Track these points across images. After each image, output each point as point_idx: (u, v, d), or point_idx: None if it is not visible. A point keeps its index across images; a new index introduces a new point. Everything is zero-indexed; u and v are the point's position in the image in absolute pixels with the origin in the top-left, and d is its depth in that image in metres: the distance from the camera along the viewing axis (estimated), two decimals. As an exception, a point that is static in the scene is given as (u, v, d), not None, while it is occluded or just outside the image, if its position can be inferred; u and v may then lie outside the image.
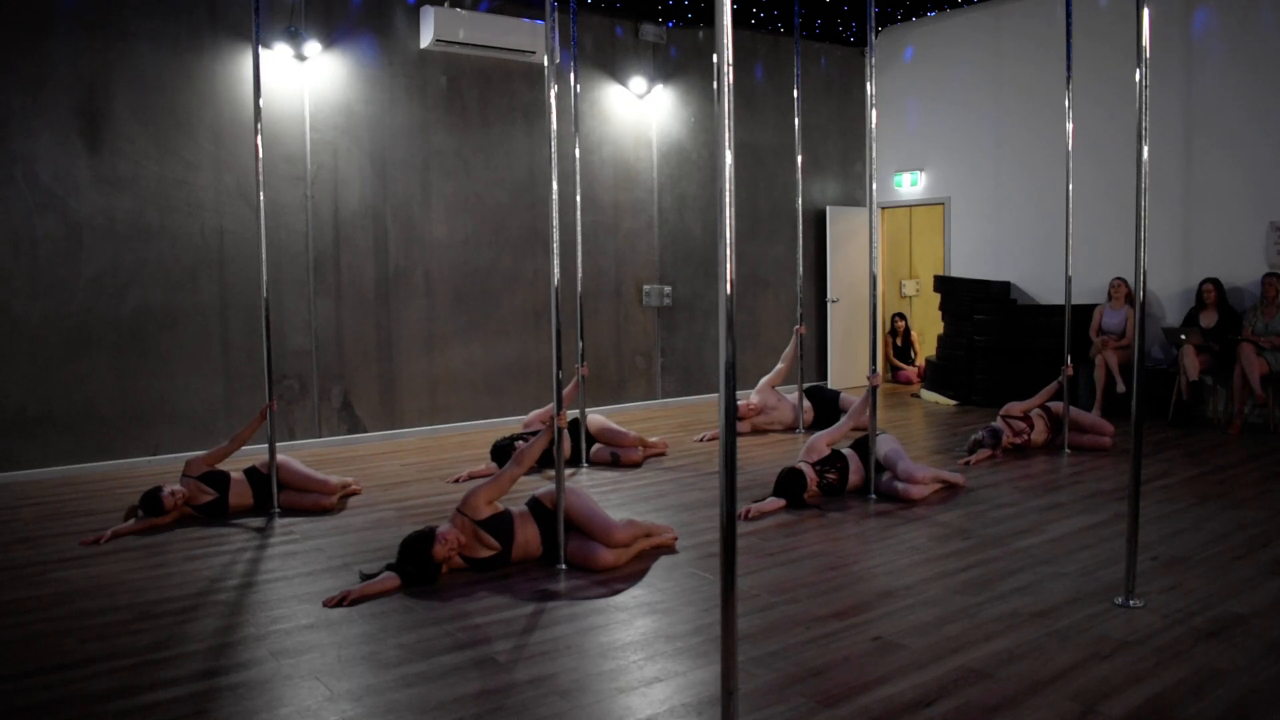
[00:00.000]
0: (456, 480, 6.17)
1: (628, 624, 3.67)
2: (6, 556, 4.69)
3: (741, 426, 7.77)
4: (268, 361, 5.38)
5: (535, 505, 4.47)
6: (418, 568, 4.11)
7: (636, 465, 6.58)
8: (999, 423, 6.77)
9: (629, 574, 4.25)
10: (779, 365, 7.93)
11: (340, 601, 3.92)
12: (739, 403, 7.38)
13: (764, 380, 7.98)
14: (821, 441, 5.65)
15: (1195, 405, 7.80)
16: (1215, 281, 7.73)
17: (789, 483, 5.37)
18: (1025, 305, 9.14)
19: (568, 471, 6.27)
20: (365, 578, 4.15)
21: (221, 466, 5.50)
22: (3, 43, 6.22)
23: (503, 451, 6.38)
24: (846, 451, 5.67)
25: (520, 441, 6.37)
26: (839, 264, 10.37)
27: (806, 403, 7.92)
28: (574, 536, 4.40)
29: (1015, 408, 6.88)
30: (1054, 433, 6.88)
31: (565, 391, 6.46)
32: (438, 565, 4.15)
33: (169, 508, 5.13)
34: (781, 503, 5.33)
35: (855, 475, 5.58)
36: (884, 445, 5.61)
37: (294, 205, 7.33)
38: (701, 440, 7.46)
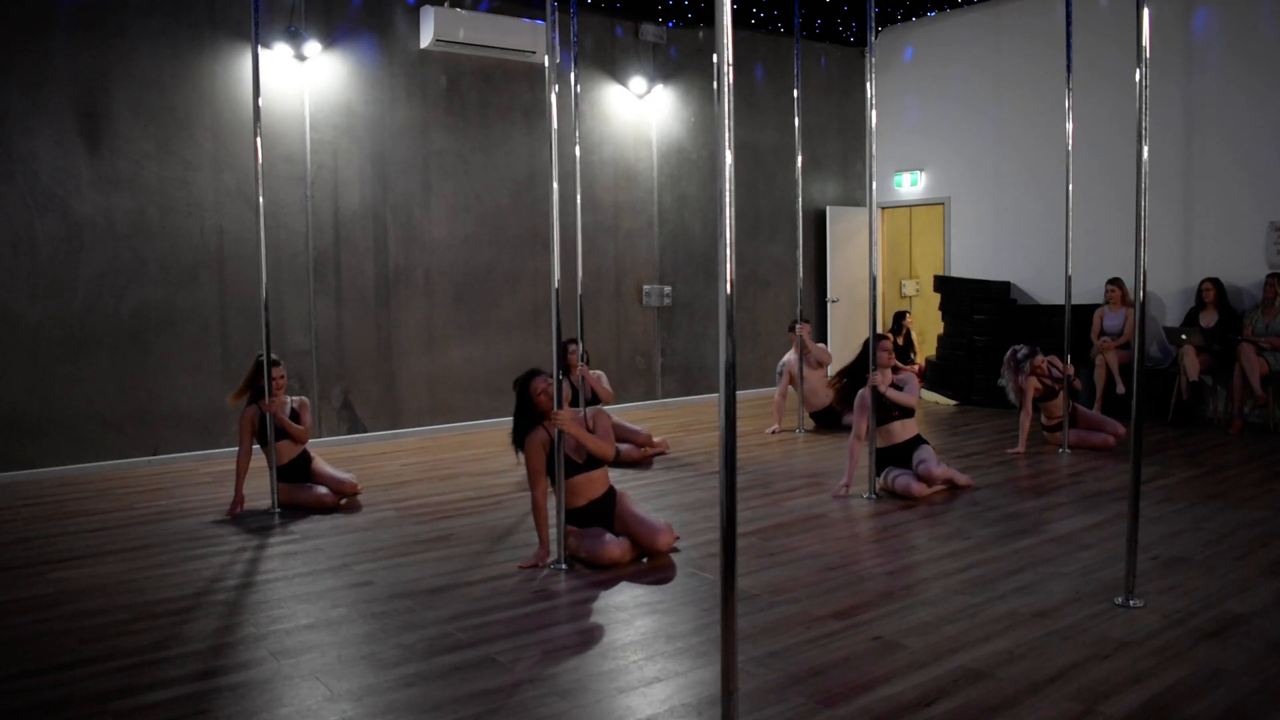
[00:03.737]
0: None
1: (628, 624, 3.67)
2: (6, 556, 4.69)
3: (786, 383, 8.00)
4: (268, 362, 5.38)
5: (611, 492, 4.59)
6: (523, 400, 4.46)
7: (638, 463, 6.59)
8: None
9: (629, 574, 4.25)
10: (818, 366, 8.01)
11: (536, 565, 4.34)
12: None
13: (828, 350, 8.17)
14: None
15: (1195, 405, 7.80)
16: (1215, 281, 7.73)
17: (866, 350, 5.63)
18: (1025, 305, 9.14)
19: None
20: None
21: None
22: (3, 43, 6.22)
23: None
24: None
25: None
26: (839, 264, 10.37)
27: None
28: (575, 534, 4.41)
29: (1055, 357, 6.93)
30: (1060, 396, 6.87)
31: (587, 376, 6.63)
32: (535, 411, 4.41)
33: (275, 377, 5.38)
34: (859, 445, 5.56)
35: (911, 396, 5.67)
36: (921, 451, 5.66)
37: (294, 205, 7.33)
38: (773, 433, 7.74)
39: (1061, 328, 7.22)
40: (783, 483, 5.99)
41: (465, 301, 8.14)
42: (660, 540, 4.39)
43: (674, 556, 4.50)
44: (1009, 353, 6.89)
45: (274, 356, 5.43)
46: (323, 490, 5.47)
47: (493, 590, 4.08)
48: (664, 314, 9.37)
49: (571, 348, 6.57)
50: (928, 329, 11.26)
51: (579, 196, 6.75)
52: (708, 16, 9.06)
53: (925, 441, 5.75)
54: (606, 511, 4.49)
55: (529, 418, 4.45)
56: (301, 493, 5.45)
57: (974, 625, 3.57)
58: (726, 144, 2.32)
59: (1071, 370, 6.74)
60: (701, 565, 4.36)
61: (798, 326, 7.80)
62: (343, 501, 5.55)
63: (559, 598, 3.98)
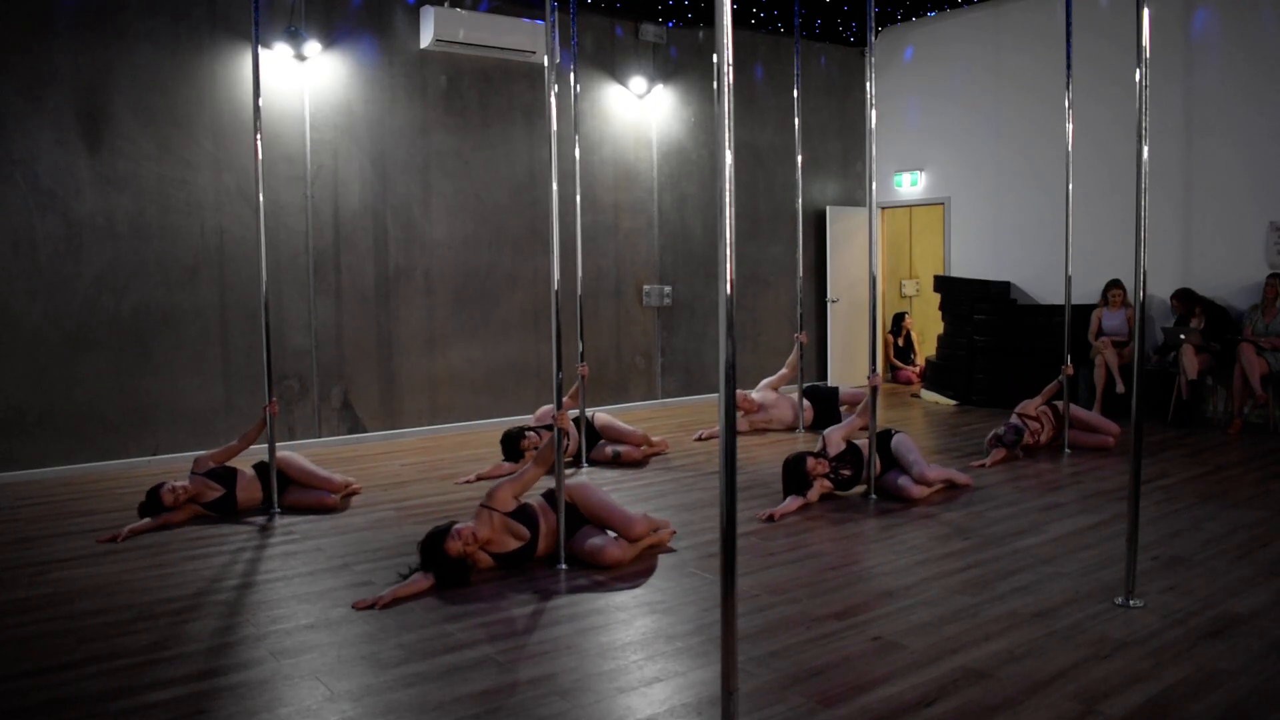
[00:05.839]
0: (466, 481, 6.16)
1: (628, 624, 3.67)
2: (6, 556, 4.69)
3: (740, 424, 7.76)
4: (267, 361, 5.38)
5: (551, 497, 4.48)
6: (447, 568, 4.06)
7: (637, 463, 6.59)
8: (1017, 420, 6.71)
9: (629, 574, 4.25)
10: (783, 370, 7.97)
11: (373, 605, 3.87)
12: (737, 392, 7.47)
13: (766, 381, 8.01)
14: (837, 435, 5.61)
15: (1195, 405, 7.80)
16: (1185, 293, 7.77)
17: (793, 473, 5.38)
18: (1025, 305, 9.14)
19: (568, 470, 6.28)
20: (402, 578, 4.11)
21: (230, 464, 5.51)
22: (3, 43, 6.21)
23: (512, 440, 6.38)
24: (861, 445, 5.64)
25: (530, 433, 6.39)
26: (839, 264, 10.37)
27: (806, 402, 7.92)
28: (577, 534, 4.41)
29: (1029, 406, 6.84)
30: (1057, 430, 6.87)
31: (568, 395, 6.56)
32: (465, 565, 4.11)
33: (170, 504, 5.12)
34: (801, 500, 5.32)
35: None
36: (900, 445, 5.61)
37: (294, 205, 7.33)
38: (700, 439, 7.47)
39: (1061, 328, 7.22)
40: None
41: (465, 302, 8.14)
42: (635, 529, 4.38)
43: (674, 556, 4.50)
44: (991, 436, 6.65)
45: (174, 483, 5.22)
46: (320, 492, 5.48)
47: (493, 590, 4.08)
48: (664, 314, 9.37)
49: (530, 435, 6.33)
50: (928, 329, 11.27)
51: (579, 196, 6.77)
52: (708, 16, 9.06)
53: (898, 432, 5.66)
54: (573, 517, 4.45)
55: (453, 574, 4.09)
56: (302, 495, 5.46)
57: (974, 625, 3.57)
58: (726, 144, 2.32)
59: (1070, 371, 6.72)
60: (701, 565, 4.36)
61: (797, 335, 7.83)
62: (336, 497, 5.54)
63: (559, 598, 3.98)
